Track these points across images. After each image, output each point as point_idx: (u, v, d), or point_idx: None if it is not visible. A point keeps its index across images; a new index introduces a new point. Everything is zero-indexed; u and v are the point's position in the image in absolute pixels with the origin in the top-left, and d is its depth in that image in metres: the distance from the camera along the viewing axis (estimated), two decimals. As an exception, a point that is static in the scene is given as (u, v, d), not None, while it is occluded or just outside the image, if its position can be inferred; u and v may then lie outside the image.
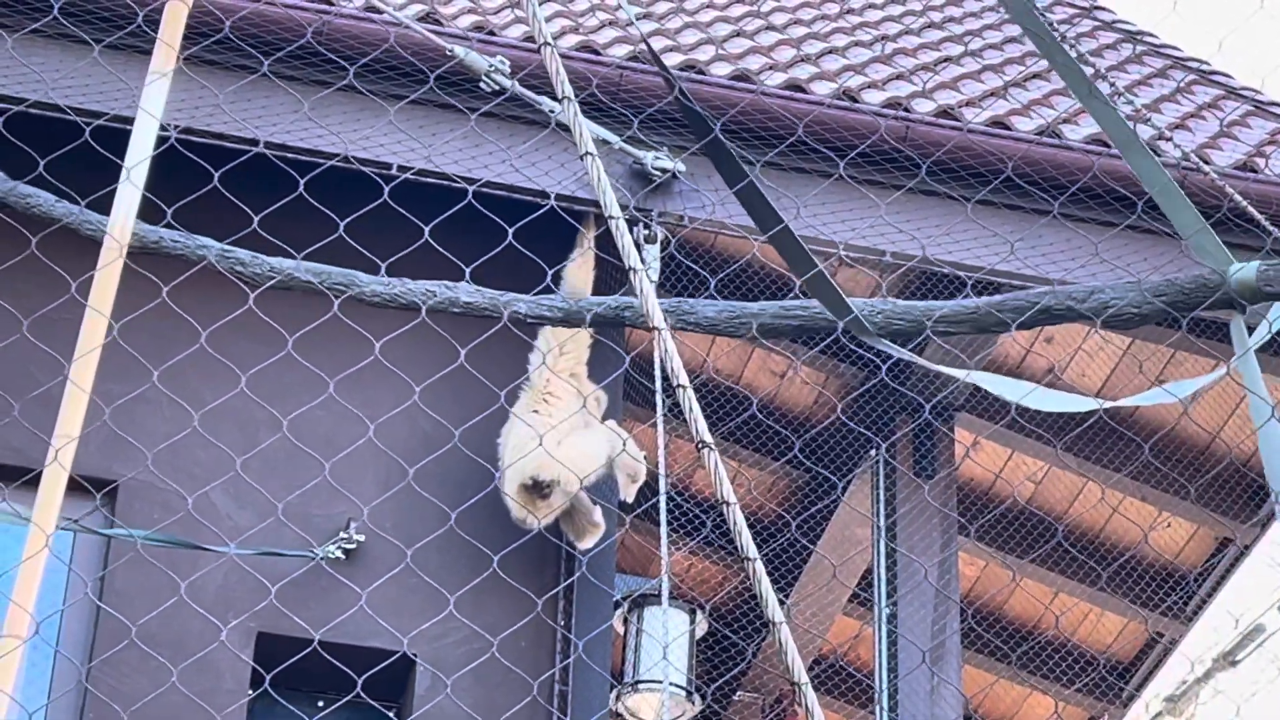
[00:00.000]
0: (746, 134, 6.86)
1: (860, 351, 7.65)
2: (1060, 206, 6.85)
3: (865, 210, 6.93)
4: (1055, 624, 8.54)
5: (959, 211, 6.92)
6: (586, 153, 3.72)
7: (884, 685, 7.45)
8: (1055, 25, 7.92)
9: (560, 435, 6.27)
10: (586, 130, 3.72)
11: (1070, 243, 6.97)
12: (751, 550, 3.61)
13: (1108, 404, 4.34)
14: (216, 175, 4.29)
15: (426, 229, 4.37)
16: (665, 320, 3.88)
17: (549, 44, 3.81)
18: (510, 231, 4.53)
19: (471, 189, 5.05)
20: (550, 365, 6.54)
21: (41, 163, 4.52)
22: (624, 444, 6.59)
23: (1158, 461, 8.30)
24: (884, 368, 7.27)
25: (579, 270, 6.68)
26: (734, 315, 4.39)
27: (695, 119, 4.18)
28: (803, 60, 7.78)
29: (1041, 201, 6.96)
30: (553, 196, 6.05)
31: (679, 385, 3.68)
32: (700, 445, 3.65)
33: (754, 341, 8.03)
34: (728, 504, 3.62)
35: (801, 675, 3.60)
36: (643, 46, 7.10)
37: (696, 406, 3.70)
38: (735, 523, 3.67)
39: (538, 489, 6.39)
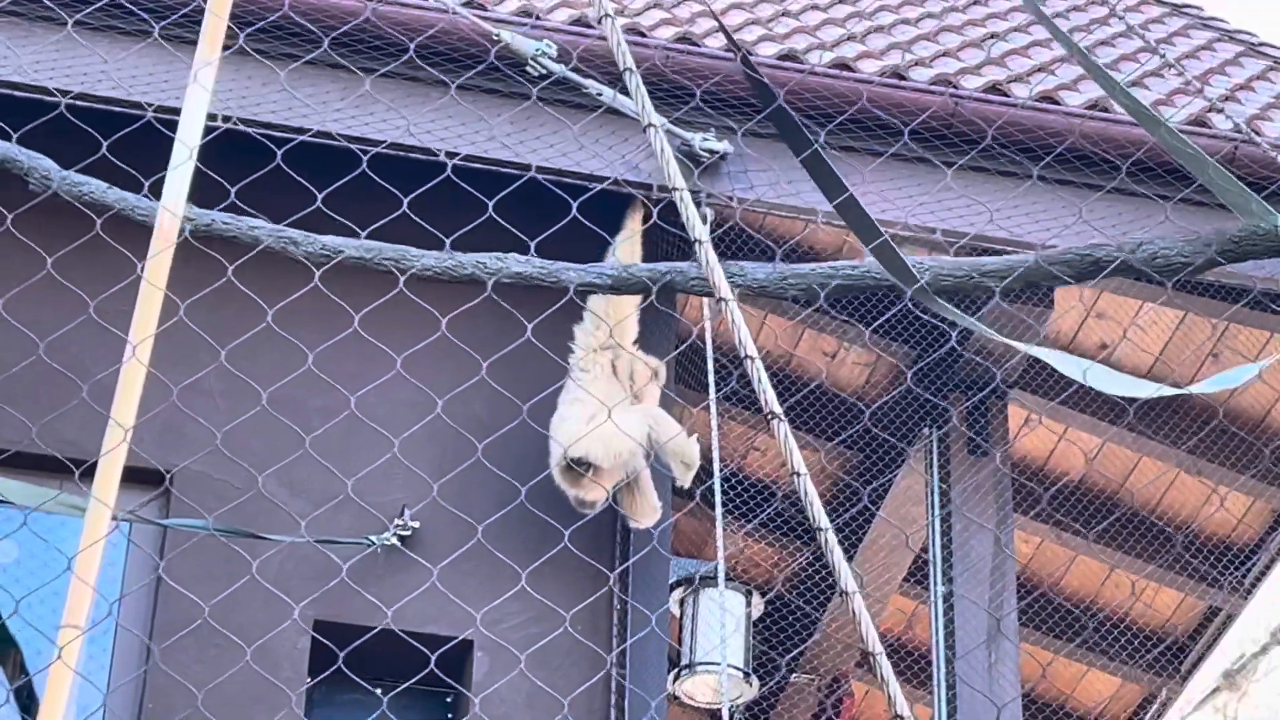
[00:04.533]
0: (795, 113, 6.81)
1: (914, 329, 7.60)
2: (1108, 180, 6.80)
3: (915, 188, 6.89)
4: (1129, 597, 8.50)
5: (1010, 187, 6.88)
6: (649, 124, 3.70)
7: (941, 664, 7.41)
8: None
9: (589, 414, 6.24)
10: (648, 102, 3.69)
11: (1122, 216, 6.93)
12: (823, 520, 3.59)
13: (1170, 391, 4.34)
14: (279, 153, 4.28)
15: (490, 204, 4.35)
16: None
17: (609, 16, 3.79)
18: (575, 205, 4.50)
19: (527, 175, 5.01)
20: (594, 343, 6.51)
21: (105, 143, 4.50)
22: (675, 434, 6.50)
23: (1214, 435, 8.26)
24: (944, 347, 7.22)
25: (627, 254, 6.65)
26: (783, 276, 4.31)
27: (760, 88, 4.14)
28: (849, 39, 7.75)
29: (1091, 176, 6.91)
30: (612, 179, 6.01)
31: (746, 356, 3.66)
32: (770, 416, 3.63)
33: (804, 318, 8.02)
34: (798, 474, 3.60)
35: (876, 645, 3.58)
36: (687, 28, 7.07)
37: (765, 376, 3.67)
38: (806, 492, 3.64)
39: (574, 468, 6.35)
